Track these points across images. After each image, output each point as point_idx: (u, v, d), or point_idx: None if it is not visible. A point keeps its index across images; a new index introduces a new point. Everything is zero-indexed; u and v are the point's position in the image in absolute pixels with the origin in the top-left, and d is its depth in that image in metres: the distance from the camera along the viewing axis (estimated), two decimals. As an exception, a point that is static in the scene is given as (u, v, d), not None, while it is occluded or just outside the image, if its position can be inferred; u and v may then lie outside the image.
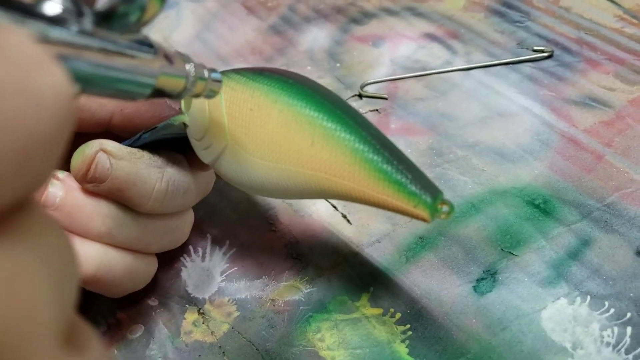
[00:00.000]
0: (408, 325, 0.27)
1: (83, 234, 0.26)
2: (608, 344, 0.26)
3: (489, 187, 0.32)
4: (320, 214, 0.33)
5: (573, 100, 0.36)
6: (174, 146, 0.28)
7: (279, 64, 0.42)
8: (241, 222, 0.33)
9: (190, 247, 0.33)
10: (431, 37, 0.43)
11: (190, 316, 0.30)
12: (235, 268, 0.31)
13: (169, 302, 0.30)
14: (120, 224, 0.26)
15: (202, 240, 0.33)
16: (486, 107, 0.37)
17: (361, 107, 0.38)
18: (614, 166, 0.32)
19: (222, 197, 0.34)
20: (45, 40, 0.13)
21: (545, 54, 0.39)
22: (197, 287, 0.31)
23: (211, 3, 0.49)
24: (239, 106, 0.25)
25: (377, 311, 0.28)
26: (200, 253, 0.32)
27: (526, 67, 0.39)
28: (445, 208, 0.22)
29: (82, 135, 0.27)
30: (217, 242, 0.33)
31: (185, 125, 0.27)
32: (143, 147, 0.27)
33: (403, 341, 0.27)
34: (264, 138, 0.24)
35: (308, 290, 0.30)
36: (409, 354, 0.27)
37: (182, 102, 0.27)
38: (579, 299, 0.27)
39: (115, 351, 0.29)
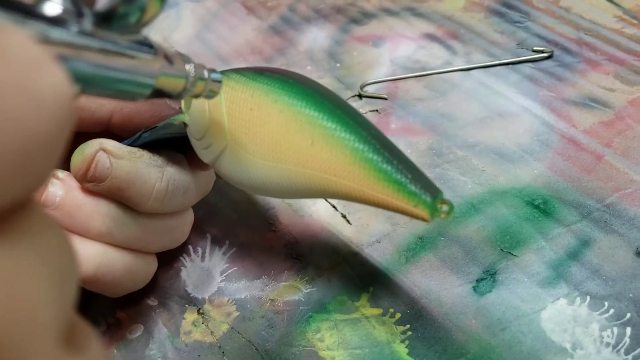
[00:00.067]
0: (408, 326, 0.27)
1: (83, 233, 0.26)
2: (608, 344, 0.26)
3: (488, 187, 0.32)
4: (320, 214, 0.33)
5: (573, 100, 0.36)
6: (174, 145, 0.28)
7: (279, 64, 0.42)
8: (241, 222, 0.33)
9: (190, 247, 0.33)
10: (431, 37, 0.43)
11: (190, 316, 0.30)
12: (235, 268, 0.31)
13: (169, 302, 0.30)
14: (120, 224, 0.26)
15: (201, 240, 0.33)
16: (486, 108, 0.37)
17: (361, 107, 0.38)
18: (613, 167, 0.32)
19: (222, 196, 0.34)
20: (46, 40, 0.13)
21: (545, 55, 0.39)
22: (196, 287, 0.31)
23: (211, 3, 0.49)
24: (239, 106, 0.25)
25: (376, 311, 0.28)
26: (200, 253, 0.32)
27: (526, 68, 0.39)
28: (445, 208, 0.22)
29: (82, 134, 0.27)
30: (216, 242, 0.33)
31: (185, 124, 0.27)
32: (143, 146, 0.27)
33: (403, 341, 0.27)
34: (264, 138, 0.24)
35: (308, 291, 0.30)
36: (408, 354, 0.27)
37: (182, 101, 0.27)
38: (578, 300, 0.27)
39: (115, 351, 0.29)
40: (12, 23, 0.12)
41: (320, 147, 0.23)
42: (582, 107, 0.36)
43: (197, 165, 0.28)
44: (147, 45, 0.18)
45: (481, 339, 0.26)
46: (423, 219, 0.22)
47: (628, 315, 0.26)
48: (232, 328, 0.29)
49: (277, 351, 0.28)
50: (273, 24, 0.46)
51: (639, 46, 0.39)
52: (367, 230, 0.32)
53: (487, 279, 0.29)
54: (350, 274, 0.30)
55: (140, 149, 0.27)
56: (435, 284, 0.29)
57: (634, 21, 0.41)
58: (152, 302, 0.31)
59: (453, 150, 0.35)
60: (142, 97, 0.18)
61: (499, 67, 0.39)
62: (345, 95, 0.39)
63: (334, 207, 0.33)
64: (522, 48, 0.40)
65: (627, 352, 0.25)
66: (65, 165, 0.26)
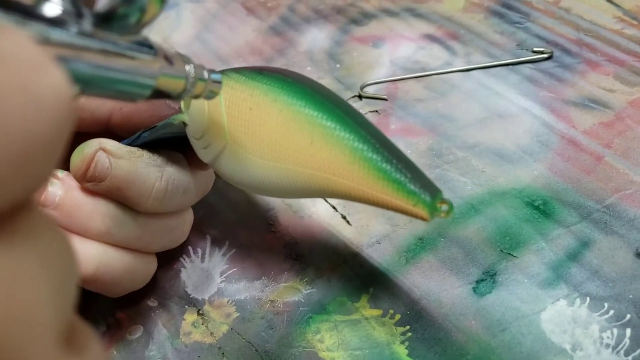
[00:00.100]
0: (408, 327, 0.27)
1: (82, 233, 0.26)
2: (607, 345, 0.26)
3: (488, 188, 0.32)
4: (320, 214, 0.33)
5: (573, 101, 0.36)
6: (174, 145, 0.28)
7: (278, 64, 0.42)
8: (241, 223, 0.33)
9: (190, 248, 0.33)
10: (431, 38, 0.43)
11: (190, 317, 0.30)
12: (235, 269, 0.31)
13: (168, 303, 0.30)
14: (120, 223, 0.26)
15: (201, 241, 0.33)
16: (486, 108, 0.37)
17: (361, 108, 0.38)
18: (613, 167, 0.32)
19: (221, 197, 0.34)
20: (45, 41, 0.13)
21: (545, 55, 0.39)
22: (196, 287, 0.31)
23: (211, 3, 0.49)
24: (238, 105, 0.25)
25: (376, 312, 0.28)
26: (199, 254, 0.32)
27: (526, 68, 0.39)
28: (444, 207, 0.22)
29: (81, 134, 0.27)
30: (216, 243, 0.33)
31: (184, 124, 0.27)
32: (142, 146, 0.27)
33: (402, 342, 0.27)
34: (263, 137, 0.24)
35: (307, 291, 0.30)
36: (408, 355, 0.27)
37: (182, 101, 0.27)
38: (578, 301, 0.27)
39: (115, 352, 0.29)
40: (11, 24, 0.12)
41: (319, 147, 0.23)
42: (582, 108, 0.36)
43: (196, 165, 0.28)
44: (147, 46, 0.18)
45: (481, 340, 0.26)
46: (422, 218, 0.22)
47: (628, 316, 0.26)
48: (231, 329, 0.29)
49: (277, 352, 0.27)
50: (273, 24, 0.46)
51: (639, 47, 0.39)
52: (367, 231, 0.32)
53: (487, 280, 0.29)
54: (350, 275, 0.30)
55: (139, 149, 0.27)
56: (435, 285, 0.29)
57: (634, 22, 0.41)
58: (151, 302, 0.31)
59: (453, 151, 0.35)
60: (142, 97, 0.18)
61: (498, 68, 0.39)
62: (345, 95, 0.39)
63: (334, 207, 0.33)
64: (521, 49, 0.40)
65: (627, 354, 0.25)
66: (65, 165, 0.26)
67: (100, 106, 0.29)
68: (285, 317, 0.29)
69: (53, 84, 0.11)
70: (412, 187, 0.22)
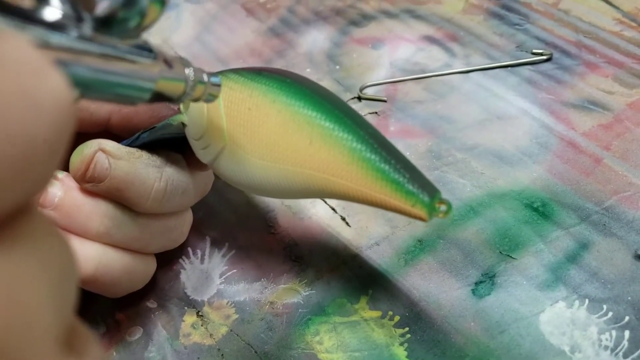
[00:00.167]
0: (407, 328, 0.28)
1: (82, 233, 0.26)
2: (606, 347, 0.26)
3: (487, 190, 0.32)
4: (320, 216, 0.33)
5: (572, 103, 0.36)
6: (173, 146, 0.28)
7: (278, 66, 0.42)
8: (240, 224, 0.33)
9: (189, 249, 0.33)
10: (430, 39, 0.43)
11: (189, 318, 0.30)
12: (234, 270, 0.31)
13: (168, 304, 0.30)
14: (119, 224, 0.26)
15: (201, 242, 0.33)
16: (485, 110, 0.37)
17: (360, 109, 0.38)
18: (612, 169, 0.32)
19: (221, 199, 0.34)
20: (45, 45, 0.13)
21: (544, 57, 0.39)
22: (195, 289, 0.31)
23: (211, 5, 0.49)
24: (237, 106, 0.25)
25: (375, 314, 0.28)
26: (199, 255, 0.32)
27: (525, 70, 0.39)
28: (442, 207, 0.22)
29: (80, 135, 0.27)
30: (216, 244, 0.33)
31: (183, 125, 0.27)
32: (142, 146, 0.27)
33: (402, 344, 0.27)
34: (262, 137, 0.24)
35: (307, 293, 0.30)
36: (407, 357, 0.27)
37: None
38: (577, 303, 0.27)
39: (114, 353, 0.29)
40: (11, 28, 0.12)
41: (318, 147, 0.23)
42: (581, 109, 0.36)
43: (195, 166, 0.28)
44: (147, 50, 0.18)
45: (480, 341, 0.27)
46: (421, 219, 0.22)
47: (626, 318, 0.26)
48: (231, 330, 0.29)
49: (276, 354, 0.28)
50: (272, 26, 0.46)
51: (638, 49, 0.39)
52: (366, 232, 0.32)
53: (486, 281, 0.29)
54: (350, 277, 0.30)
55: (138, 150, 0.27)
56: (434, 286, 0.29)
57: (633, 24, 0.41)
58: (151, 304, 0.31)
59: (452, 152, 0.35)
60: (142, 101, 0.18)
61: (498, 70, 0.39)
62: (345, 97, 0.39)
63: (333, 209, 0.33)
64: (521, 50, 0.41)
65: (625, 355, 0.25)
66: (64, 166, 0.26)
67: (100, 107, 0.29)
68: (285, 318, 0.29)
69: (53, 88, 0.11)
70: (410, 187, 0.22)
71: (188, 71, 0.20)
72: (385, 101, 0.39)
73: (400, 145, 0.35)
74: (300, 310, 0.29)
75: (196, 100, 0.22)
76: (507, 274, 0.29)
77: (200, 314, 0.30)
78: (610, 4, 0.43)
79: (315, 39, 0.44)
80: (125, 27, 0.16)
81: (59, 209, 0.26)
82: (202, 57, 0.44)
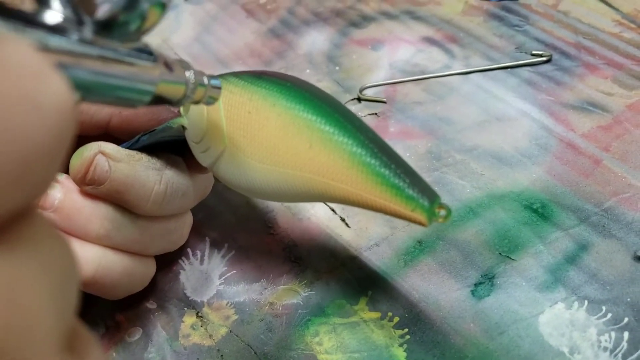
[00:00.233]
0: (406, 329, 0.28)
1: (81, 236, 0.26)
2: (605, 348, 0.26)
3: (487, 191, 0.33)
4: (319, 217, 0.33)
5: (571, 104, 0.36)
6: (173, 149, 0.28)
7: (278, 67, 0.43)
8: (240, 225, 0.33)
9: (189, 250, 0.33)
10: (430, 41, 0.43)
11: (189, 319, 0.30)
12: (234, 271, 0.31)
13: (168, 305, 0.31)
14: (119, 226, 0.26)
15: (200, 243, 0.33)
16: (484, 111, 0.37)
17: (360, 110, 0.38)
18: (611, 171, 0.32)
19: (221, 200, 0.34)
20: (46, 49, 0.13)
21: (544, 58, 0.39)
22: (195, 290, 0.31)
23: (211, 5, 0.49)
24: (237, 109, 0.25)
25: (375, 315, 0.28)
26: (198, 256, 0.32)
27: (524, 72, 0.39)
28: (442, 212, 0.22)
29: (80, 137, 0.27)
30: (215, 245, 0.33)
31: (183, 127, 0.27)
32: (141, 149, 0.27)
33: (401, 345, 0.27)
34: (262, 141, 0.24)
35: (306, 294, 0.30)
36: (407, 358, 0.27)
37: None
38: (576, 304, 0.27)
39: (114, 354, 0.29)
40: (12, 32, 0.12)
41: (318, 151, 0.23)
42: (580, 111, 0.36)
43: (195, 169, 0.28)
44: (147, 53, 0.18)
45: (479, 343, 0.27)
46: (420, 223, 0.22)
47: (626, 319, 0.26)
48: (230, 331, 0.29)
49: (276, 355, 0.28)
50: (272, 27, 0.46)
51: (637, 50, 0.39)
52: (365, 233, 0.32)
53: (485, 282, 0.29)
54: (349, 278, 0.30)
55: (138, 152, 0.27)
56: (434, 287, 0.29)
57: (633, 25, 0.41)
58: (151, 305, 0.31)
59: (451, 154, 0.35)
60: (142, 104, 0.18)
61: (497, 71, 0.39)
62: (344, 98, 0.39)
63: (332, 210, 0.33)
64: (520, 52, 0.41)
65: (624, 357, 0.25)
66: (65, 168, 0.26)
67: (100, 110, 0.29)
68: (284, 319, 0.29)
69: (54, 92, 0.11)
70: (410, 192, 0.22)
71: (188, 74, 0.20)
72: (384, 102, 0.39)
73: (400, 147, 0.35)
74: (299, 311, 0.29)
75: (196, 102, 0.22)
76: (507, 275, 0.29)
77: (199, 314, 0.30)
78: (610, 5, 0.43)
79: (315, 40, 0.44)
80: (126, 30, 0.16)
81: (59, 212, 0.26)
82: (201, 57, 0.44)
